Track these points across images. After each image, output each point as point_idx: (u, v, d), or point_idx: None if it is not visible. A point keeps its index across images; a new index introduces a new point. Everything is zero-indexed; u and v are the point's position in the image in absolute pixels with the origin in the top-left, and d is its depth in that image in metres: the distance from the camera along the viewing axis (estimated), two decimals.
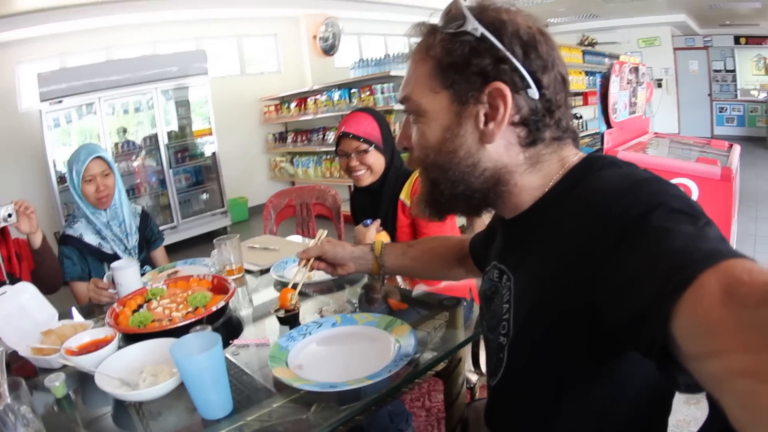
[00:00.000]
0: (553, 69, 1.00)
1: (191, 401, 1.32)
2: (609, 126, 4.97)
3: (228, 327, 1.94)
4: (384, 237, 2.30)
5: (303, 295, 2.13)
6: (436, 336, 1.66)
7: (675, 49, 14.57)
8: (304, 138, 9.50)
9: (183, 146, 8.49)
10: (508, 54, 0.96)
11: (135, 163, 8.00)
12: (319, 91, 8.77)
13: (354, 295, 2.16)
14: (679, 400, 2.81)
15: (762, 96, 13.79)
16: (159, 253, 3.18)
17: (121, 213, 2.89)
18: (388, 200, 2.60)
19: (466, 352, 1.90)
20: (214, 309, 1.87)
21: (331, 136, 8.63)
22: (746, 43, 13.75)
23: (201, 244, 7.72)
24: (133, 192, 7.87)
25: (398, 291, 2.17)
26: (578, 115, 9.95)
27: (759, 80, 13.87)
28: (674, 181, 3.60)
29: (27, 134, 7.41)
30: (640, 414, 1.02)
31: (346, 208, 3.36)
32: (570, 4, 12.25)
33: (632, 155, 4.55)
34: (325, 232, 2.06)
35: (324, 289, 2.24)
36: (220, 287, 2.13)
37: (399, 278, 2.22)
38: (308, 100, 9.06)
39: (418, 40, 1.08)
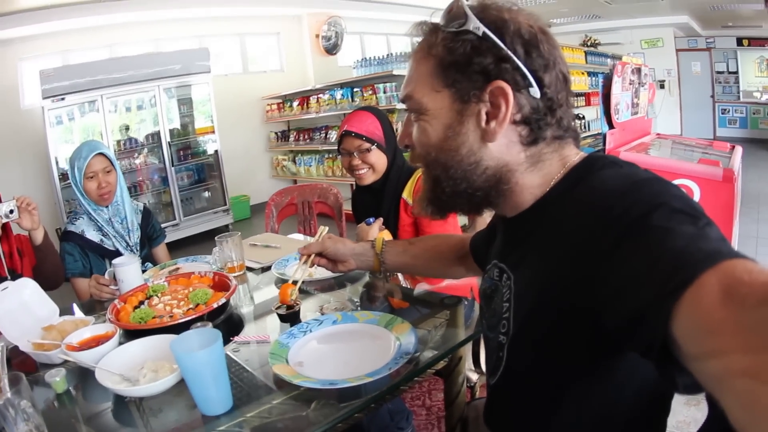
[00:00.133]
0: (554, 68, 1.00)
1: (191, 397, 1.33)
2: (611, 126, 4.98)
3: (229, 324, 1.94)
4: (386, 235, 2.30)
5: (304, 292, 2.13)
6: (437, 334, 1.66)
7: (677, 50, 14.55)
8: (306, 137, 9.50)
9: (185, 144, 8.50)
10: (510, 53, 0.96)
11: (137, 161, 8.01)
12: (322, 90, 8.79)
13: (355, 294, 2.16)
14: (680, 401, 2.81)
15: (765, 98, 13.77)
16: (160, 250, 3.19)
17: (122, 210, 2.89)
18: (390, 199, 2.60)
19: (467, 350, 1.91)
20: (215, 306, 1.87)
21: (333, 135, 8.65)
22: (749, 45, 13.73)
23: (203, 242, 7.69)
24: (135, 189, 7.88)
25: (399, 289, 2.17)
26: (581, 116, 9.94)
27: (762, 82, 13.85)
28: (676, 182, 3.60)
29: (29, 131, 7.42)
30: (639, 414, 1.02)
31: (347, 207, 3.36)
32: (573, 5, 12.24)
33: (634, 156, 4.55)
34: (326, 228, 2.06)
35: (325, 287, 2.24)
36: (221, 284, 2.13)
37: (401, 276, 2.22)
38: (310, 98, 9.08)
39: (419, 39, 1.09)
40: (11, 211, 2.34)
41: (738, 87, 14.22)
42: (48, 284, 2.29)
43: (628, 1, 11.77)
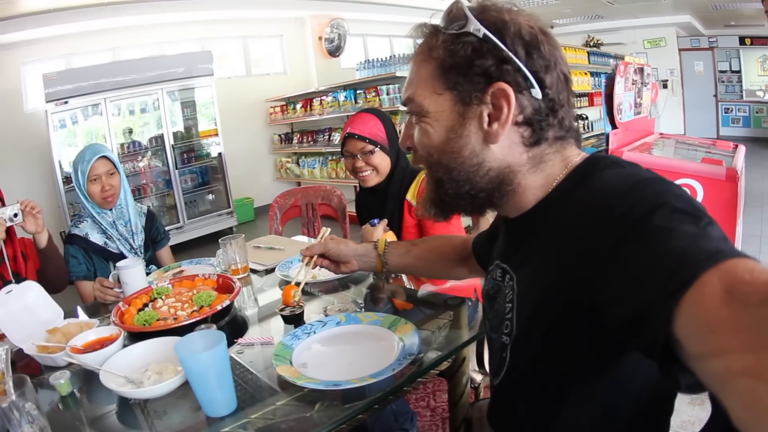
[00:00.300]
0: (555, 68, 1.00)
1: (196, 399, 1.33)
2: (614, 127, 4.97)
3: (233, 326, 1.94)
4: (390, 237, 2.31)
5: (308, 294, 2.14)
6: (440, 335, 1.66)
7: (680, 49, 14.52)
8: (309, 139, 9.51)
9: (189, 147, 8.52)
10: (511, 54, 0.96)
11: (141, 164, 8.02)
12: (325, 92, 8.78)
13: (359, 295, 2.16)
14: (684, 401, 2.81)
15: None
16: (164, 253, 3.19)
17: (126, 212, 2.90)
18: (394, 200, 2.60)
19: (471, 351, 1.90)
20: (219, 308, 1.87)
21: (336, 137, 8.65)
22: (751, 44, 13.70)
23: (207, 245, 7.72)
24: (139, 192, 7.90)
25: (403, 290, 2.17)
26: (584, 116, 9.91)
27: (765, 81, 13.82)
28: (679, 181, 3.60)
29: (33, 135, 7.44)
30: (642, 413, 1.02)
31: (351, 209, 3.36)
32: (575, 5, 12.22)
33: (637, 156, 4.55)
34: (329, 230, 2.06)
35: (329, 288, 2.24)
36: (225, 286, 2.13)
37: (404, 278, 2.22)
38: (314, 100, 9.07)
39: (420, 41, 1.09)
40: (15, 215, 2.35)
41: (741, 86, 14.19)
42: (52, 287, 2.29)
43: (630, 1, 11.75)
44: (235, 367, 1.55)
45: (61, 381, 1.51)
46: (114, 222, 2.85)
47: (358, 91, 7.94)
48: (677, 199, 0.79)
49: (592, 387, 0.98)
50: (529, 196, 1.07)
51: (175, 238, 7.45)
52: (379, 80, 7.59)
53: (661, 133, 6.62)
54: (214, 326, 1.69)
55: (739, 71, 14.14)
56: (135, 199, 3.05)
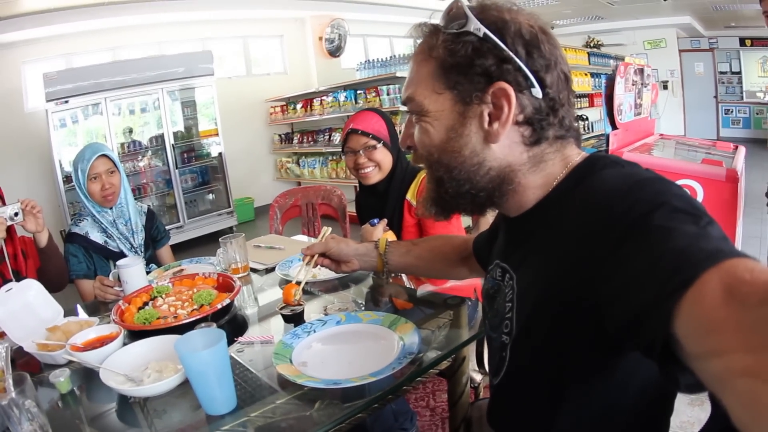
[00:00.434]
0: (555, 67, 1.00)
1: (195, 397, 1.33)
2: (614, 127, 4.98)
3: (233, 325, 1.94)
4: (390, 236, 2.31)
5: (308, 293, 2.14)
6: (440, 335, 1.66)
7: (680, 50, 14.52)
8: (310, 139, 9.52)
9: (189, 146, 8.53)
10: (512, 54, 0.96)
11: (141, 164, 8.03)
12: (325, 92, 8.79)
13: (359, 295, 2.16)
14: (684, 401, 2.81)
15: None
16: (165, 252, 3.19)
17: (126, 211, 2.90)
18: (394, 200, 2.60)
19: (470, 351, 1.90)
20: (219, 306, 1.87)
21: (337, 137, 8.66)
22: (752, 45, 13.70)
23: (207, 244, 7.72)
24: (139, 192, 7.91)
25: (403, 290, 2.17)
26: (584, 117, 9.91)
27: (765, 82, 13.82)
28: (680, 182, 3.60)
29: (33, 134, 7.45)
30: (641, 414, 1.02)
31: (351, 209, 3.36)
32: (575, 6, 12.22)
33: (638, 157, 4.55)
34: (329, 229, 2.06)
35: (329, 287, 2.24)
36: (225, 285, 2.13)
37: (404, 277, 2.22)
38: (314, 101, 9.08)
39: (420, 40, 1.09)
40: (16, 214, 2.35)
41: (741, 87, 14.20)
42: (52, 286, 2.29)
43: (630, 2, 11.75)
44: (235, 366, 1.55)
45: (61, 379, 1.51)
46: (114, 221, 2.85)
47: (358, 92, 7.95)
48: (677, 199, 0.79)
49: (591, 387, 0.98)
50: (529, 196, 1.07)
51: (175, 238, 7.45)
52: (379, 80, 7.60)
53: (661, 134, 6.63)
54: (214, 325, 1.69)
55: (739, 72, 14.16)
56: (135, 199, 3.05)
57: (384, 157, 2.58)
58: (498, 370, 1.16)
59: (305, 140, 9.61)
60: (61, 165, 7.17)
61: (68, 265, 2.73)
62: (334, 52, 10.97)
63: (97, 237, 2.82)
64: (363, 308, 1.98)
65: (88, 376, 1.60)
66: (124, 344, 1.70)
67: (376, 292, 2.19)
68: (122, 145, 7.77)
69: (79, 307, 2.27)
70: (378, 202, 2.67)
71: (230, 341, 1.71)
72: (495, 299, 1.19)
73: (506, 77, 0.97)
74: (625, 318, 0.74)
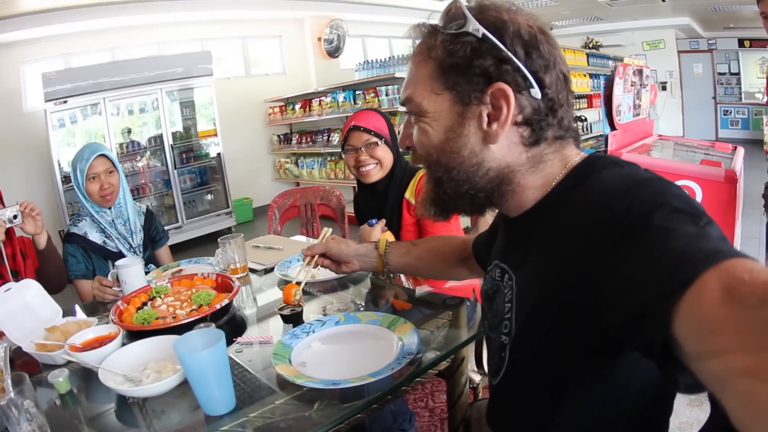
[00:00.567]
0: (554, 68, 1.00)
1: (194, 399, 1.33)
2: (613, 128, 4.98)
3: (232, 325, 1.94)
4: (389, 237, 2.31)
5: (307, 294, 2.14)
6: (439, 335, 1.67)
7: (679, 51, 14.53)
8: (308, 139, 9.52)
9: (188, 147, 8.53)
10: (510, 54, 0.96)
11: (140, 164, 8.03)
12: (324, 93, 8.79)
13: (358, 295, 2.16)
14: (683, 402, 2.81)
15: (766, 99, 13.75)
16: (163, 252, 3.19)
17: (125, 211, 2.90)
18: (393, 199, 2.61)
19: (470, 351, 1.90)
20: (218, 307, 1.87)
21: (335, 138, 8.67)
22: (750, 46, 13.70)
23: (205, 245, 7.71)
24: (138, 192, 7.90)
25: (402, 290, 2.17)
26: (583, 118, 9.91)
27: (763, 83, 13.77)
28: (678, 183, 3.60)
29: (32, 134, 7.44)
30: (640, 414, 1.02)
31: (350, 209, 3.36)
32: (574, 7, 12.23)
33: (636, 157, 4.55)
34: (330, 230, 2.07)
35: (328, 288, 2.24)
36: (224, 285, 2.13)
37: (403, 277, 2.23)
38: (313, 101, 9.08)
39: (418, 41, 1.09)
40: (15, 216, 2.35)
41: (740, 88, 14.20)
42: (51, 288, 2.29)
43: (629, 3, 11.76)
44: (234, 366, 1.55)
45: (60, 379, 1.51)
46: (113, 221, 2.85)
47: (357, 92, 7.95)
48: (676, 199, 0.79)
49: (590, 387, 0.98)
50: (528, 196, 1.07)
51: (174, 238, 7.44)
52: (378, 81, 7.60)
53: (659, 135, 6.63)
54: (213, 325, 1.69)
55: (738, 73, 14.15)
56: (134, 199, 3.05)
57: (385, 155, 2.58)
58: (497, 371, 1.16)
59: (304, 141, 9.62)
60: (59, 165, 7.16)
61: (67, 266, 2.73)
62: (333, 52, 10.97)
63: (95, 237, 2.82)
64: (362, 309, 1.98)
65: (86, 377, 1.60)
66: (123, 344, 1.70)
67: (375, 293, 2.19)
68: (121, 145, 7.76)
69: (77, 307, 2.27)
70: (377, 202, 2.68)
71: (229, 341, 1.71)
72: (494, 300, 1.19)
73: (505, 78, 0.97)
74: (624, 318, 0.74)
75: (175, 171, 8.18)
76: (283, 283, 2.20)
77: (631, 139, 5.33)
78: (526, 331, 1.04)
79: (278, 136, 10.39)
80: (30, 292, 2.01)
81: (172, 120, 8.22)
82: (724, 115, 14.51)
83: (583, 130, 9.81)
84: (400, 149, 2.33)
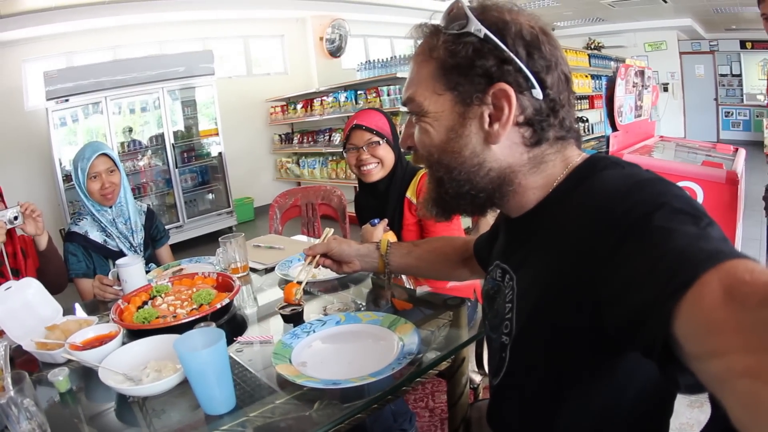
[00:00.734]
0: (556, 68, 1.00)
1: (194, 398, 1.33)
2: (614, 129, 4.98)
3: (232, 324, 1.94)
4: (391, 237, 2.30)
5: (308, 293, 2.14)
6: (440, 335, 1.66)
7: (681, 53, 14.53)
8: (310, 139, 9.52)
9: (189, 146, 8.53)
10: (512, 55, 0.96)
11: (141, 163, 8.03)
12: (326, 93, 8.79)
13: (358, 295, 2.16)
14: (683, 403, 2.80)
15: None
16: (164, 251, 3.19)
17: (126, 210, 2.90)
18: (395, 199, 2.61)
19: (470, 352, 1.90)
20: (218, 306, 1.87)
21: (337, 138, 8.66)
22: (752, 48, 13.69)
23: (206, 244, 7.70)
24: (139, 191, 7.90)
25: (403, 290, 2.17)
26: (584, 118, 9.91)
27: (765, 85, 13.80)
28: (680, 184, 3.60)
29: (33, 132, 7.45)
30: (641, 414, 1.02)
31: (351, 209, 3.36)
32: (576, 8, 12.23)
33: (638, 158, 4.54)
34: (332, 230, 2.07)
35: (329, 288, 2.24)
36: (224, 285, 2.13)
37: (404, 278, 2.22)
38: (314, 101, 9.08)
39: (420, 41, 1.09)
40: (16, 218, 2.35)
41: (741, 90, 14.20)
42: (52, 288, 2.28)
43: (631, 4, 11.76)
44: (234, 366, 1.55)
45: (60, 378, 1.51)
46: (114, 220, 2.85)
47: (358, 92, 7.95)
48: (677, 200, 0.79)
49: (591, 388, 0.98)
50: (529, 196, 1.07)
51: (175, 237, 7.45)
52: (379, 81, 7.60)
53: (661, 136, 6.63)
54: (214, 324, 1.69)
55: (739, 75, 14.15)
56: (135, 198, 3.05)
57: (386, 154, 2.58)
58: (498, 371, 1.16)
59: (305, 140, 9.61)
60: (61, 164, 7.16)
61: (67, 264, 2.73)
62: (335, 52, 10.98)
63: (96, 236, 2.82)
64: (363, 308, 1.98)
65: (86, 375, 1.60)
66: (123, 343, 1.70)
67: (375, 293, 2.19)
68: (122, 144, 7.76)
69: (77, 305, 2.27)
70: (378, 201, 2.68)
71: (229, 341, 1.71)
72: (495, 300, 1.19)
73: (507, 78, 0.97)
74: (625, 319, 0.74)
75: (177, 170, 8.18)
76: (284, 283, 2.20)
77: (633, 140, 5.33)
78: (526, 332, 1.04)
79: (279, 135, 10.38)
80: (30, 290, 2.01)
81: (174, 119, 8.22)
82: (726, 116, 14.51)
83: (584, 131, 9.82)
84: (402, 149, 2.33)
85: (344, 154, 2.72)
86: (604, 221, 0.84)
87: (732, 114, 14.42)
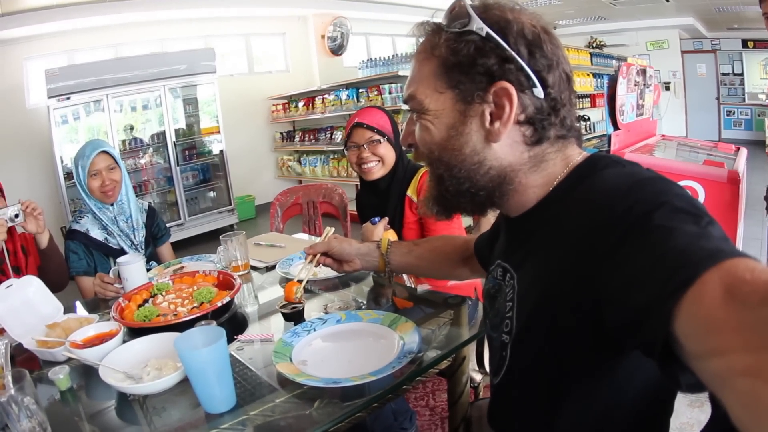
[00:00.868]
0: (557, 68, 1.00)
1: (195, 396, 1.33)
2: (616, 128, 4.97)
3: (233, 323, 1.94)
4: (391, 235, 2.30)
5: (309, 292, 2.14)
6: (440, 334, 1.66)
7: (683, 52, 14.51)
8: (311, 137, 9.52)
9: (191, 144, 8.53)
10: (514, 54, 0.96)
11: (142, 161, 8.04)
12: (327, 91, 8.80)
13: (359, 293, 2.16)
14: (683, 403, 2.80)
15: None
16: (165, 249, 3.19)
17: (128, 208, 2.90)
18: (395, 197, 2.61)
19: (471, 351, 1.90)
20: (219, 304, 1.87)
21: (338, 136, 8.66)
22: (754, 47, 13.67)
23: (208, 242, 7.72)
24: (140, 189, 7.90)
25: (404, 289, 2.17)
26: (586, 117, 9.91)
27: (767, 84, 13.81)
28: (681, 183, 3.60)
29: (35, 130, 7.45)
30: (641, 414, 1.02)
31: (352, 207, 3.35)
32: (578, 7, 12.22)
33: (639, 157, 4.54)
34: (332, 229, 2.07)
35: (329, 286, 2.24)
36: (225, 283, 2.13)
37: (405, 276, 2.22)
38: (316, 99, 9.09)
39: (422, 39, 1.09)
40: (17, 215, 2.35)
41: (743, 89, 14.18)
42: (53, 286, 2.28)
43: (633, 3, 11.75)
44: (235, 364, 1.55)
45: (60, 376, 1.51)
46: (115, 218, 2.85)
47: (360, 90, 7.97)
48: (678, 199, 0.79)
49: (592, 386, 0.98)
50: (529, 195, 1.07)
51: (176, 235, 7.45)
52: (381, 79, 7.61)
53: (662, 135, 6.63)
54: (214, 322, 1.69)
55: (741, 74, 14.13)
56: (136, 196, 3.04)
57: (387, 152, 2.58)
58: (498, 370, 1.16)
59: (307, 138, 9.62)
60: (62, 161, 7.16)
61: (68, 262, 2.73)
62: (337, 50, 10.98)
63: (97, 234, 2.82)
64: (363, 307, 1.98)
65: (87, 374, 1.60)
66: (124, 341, 1.70)
67: (376, 291, 2.19)
68: (123, 142, 7.77)
69: (78, 303, 2.27)
70: (379, 200, 2.68)
71: (230, 339, 1.71)
72: (496, 299, 1.19)
73: (508, 77, 0.97)
74: (625, 317, 0.74)
75: (178, 168, 8.18)
76: (285, 281, 2.20)
77: (634, 139, 5.33)
78: (527, 330, 1.04)
79: (281, 133, 10.39)
80: (31, 288, 2.01)
81: (175, 117, 8.22)
82: (727, 115, 14.49)
83: (586, 130, 9.81)
84: (402, 147, 2.33)
85: (345, 152, 2.72)
86: (604, 220, 0.84)
87: (734, 113, 14.40)
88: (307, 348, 1.62)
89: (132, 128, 7.91)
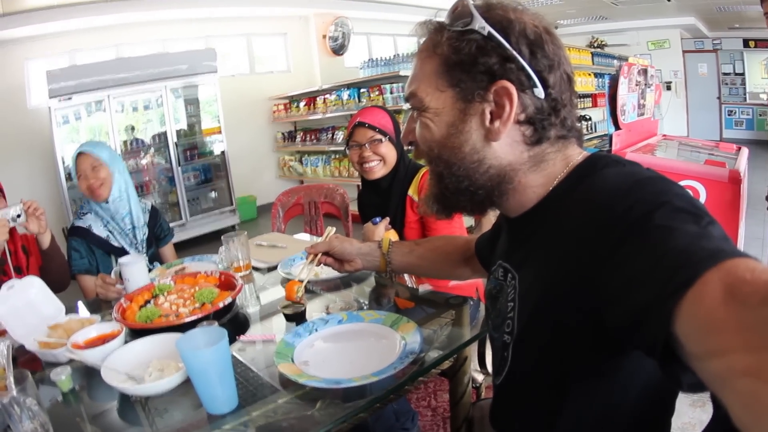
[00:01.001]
0: (559, 68, 1.00)
1: (197, 397, 1.33)
2: (617, 128, 4.98)
3: (235, 323, 1.94)
4: (392, 235, 2.31)
5: (310, 292, 2.14)
6: (442, 334, 1.66)
7: (684, 51, 14.50)
8: (312, 137, 9.51)
9: (192, 144, 8.52)
10: (515, 53, 0.96)
11: (144, 161, 8.03)
12: (328, 91, 8.79)
13: (361, 294, 2.16)
14: (685, 402, 2.80)
15: None
16: (167, 250, 3.19)
17: (127, 204, 2.89)
18: (397, 197, 2.61)
19: (472, 351, 1.91)
20: (221, 305, 1.86)
21: (340, 136, 8.65)
22: (755, 47, 13.65)
23: (209, 242, 7.71)
24: (141, 189, 7.89)
25: (405, 289, 2.17)
26: (587, 117, 9.91)
27: None
28: (682, 183, 3.59)
29: (36, 131, 7.44)
30: (642, 413, 1.02)
31: (354, 207, 3.36)
32: (579, 6, 12.22)
33: (640, 157, 4.54)
34: (334, 229, 2.08)
35: (331, 286, 2.24)
36: (227, 284, 2.13)
37: (407, 276, 2.23)
38: (317, 99, 9.08)
39: (424, 37, 1.09)
40: (18, 216, 2.35)
41: (744, 89, 14.16)
42: (54, 286, 2.28)
43: (635, 3, 11.74)
44: (237, 365, 1.55)
45: (62, 377, 1.51)
46: (112, 216, 2.85)
47: (361, 90, 7.96)
48: (678, 198, 0.79)
49: (593, 387, 0.98)
50: (529, 195, 1.07)
51: (178, 236, 7.36)
52: (382, 79, 7.62)
53: (664, 135, 6.63)
54: (216, 323, 1.69)
55: (742, 74, 14.11)
56: (137, 196, 3.04)
57: (389, 152, 2.59)
58: (500, 370, 1.16)
59: (308, 138, 9.60)
60: (63, 162, 7.15)
61: (70, 261, 2.74)
62: (338, 50, 10.98)
63: (100, 231, 2.82)
64: (365, 307, 1.98)
65: (89, 375, 1.60)
66: (126, 342, 1.70)
67: (378, 292, 2.19)
68: (125, 142, 7.77)
69: (80, 304, 2.27)
70: (381, 199, 2.68)
71: (232, 340, 1.70)
72: (498, 299, 1.19)
73: (509, 76, 0.97)
74: (626, 318, 0.74)
75: (179, 168, 8.17)
76: (286, 282, 2.20)
77: (636, 138, 5.33)
78: (528, 331, 1.04)
79: (282, 133, 10.38)
80: (33, 289, 2.01)
81: (177, 117, 8.22)
82: (729, 115, 14.47)
83: (587, 130, 9.81)
84: (403, 144, 2.33)
85: (347, 152, 2.73)
86: (604, 220, 0.84)
87: (735, 113, 14.38)
88: (308, 348, 1.61)
89: (133, 129, 7.91)
